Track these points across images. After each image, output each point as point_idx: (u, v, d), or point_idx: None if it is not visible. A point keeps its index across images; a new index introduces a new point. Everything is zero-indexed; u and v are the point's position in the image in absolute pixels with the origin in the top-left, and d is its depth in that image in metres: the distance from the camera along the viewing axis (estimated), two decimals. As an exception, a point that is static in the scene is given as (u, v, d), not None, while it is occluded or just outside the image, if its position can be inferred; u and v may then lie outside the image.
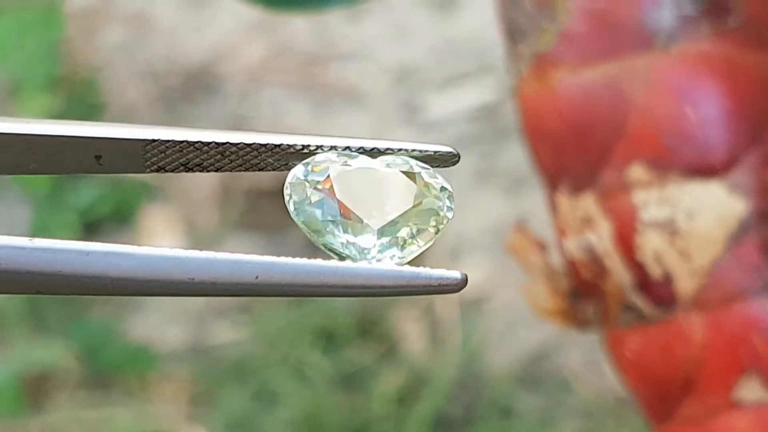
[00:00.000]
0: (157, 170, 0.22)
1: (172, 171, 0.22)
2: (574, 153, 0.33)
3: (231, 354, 0.87)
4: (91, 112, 0.97)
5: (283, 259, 0.21)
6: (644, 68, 0.32)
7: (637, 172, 0.32)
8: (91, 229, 0.92)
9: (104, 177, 0.94)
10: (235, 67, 0.99)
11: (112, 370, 0.87)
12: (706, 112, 0.32)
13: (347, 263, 0.21)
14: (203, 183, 0.93)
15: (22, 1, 0.95)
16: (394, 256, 0.22)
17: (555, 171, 0.34)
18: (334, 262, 0.21)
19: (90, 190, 0.93)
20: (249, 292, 0.21)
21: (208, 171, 0.22)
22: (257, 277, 0.21)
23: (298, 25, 0.99)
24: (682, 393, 0.32)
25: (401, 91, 0.97)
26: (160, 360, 0.88)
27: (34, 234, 0.91)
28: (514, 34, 0.34)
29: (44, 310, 0.89)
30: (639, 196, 0.32)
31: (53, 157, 0.22)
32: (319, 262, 0.21)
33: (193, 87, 0.98)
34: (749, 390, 0.32)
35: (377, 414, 0.83)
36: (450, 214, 0.22)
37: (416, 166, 0.22)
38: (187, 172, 0.22)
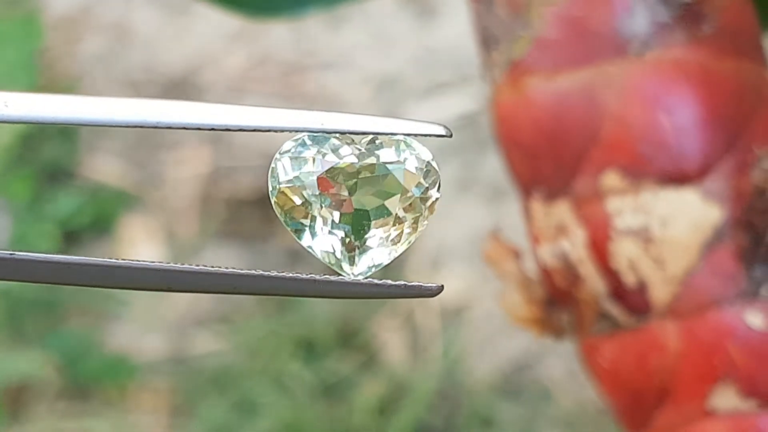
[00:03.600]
0: None
1: None
2: (548, 160, 0.33)
3: (211, 364, 0.87)
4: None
5: (261, 273, 0.21)
6: (618, 75, 0.32)
7: (611, 179, 0.32)
8: (70, 239, 0.92)
9: (84, 187, 0.94)
10: (215, 76, 0.98)
11: (91, 381, 0.87)
12: (680, 119, 0.32)
13: (324, 278, 0.21)
14: (183, 192, 0.93)
15: (0, 10, 0.94)
16: (381, 238, 0.21)
17: (529, 178, 0.33)
18: (311, 277, 0.21)
19: (69, 200, 0.93)
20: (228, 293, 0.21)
21: None
22: (235, 288, 0.21)
23: (279, 34, 0.99)
24: (657, 401, 0.32)
25: (382, 100, 0.97)
26: (139, 370, 0.87)
27: (14, 244, 0.90)
28: (488, 41, 0.34)
29: (23, 321, 0.88)
30: (613, 204, 0.32)
31: None
32: (297, 276, 0.21)
33: (172, 96, 0.97)
34: (724, 398, 0.31)
35: (358, 424, 0.83)
36: (436, 196, 0.22)
37: (404, 143, 0.22)
38: None
